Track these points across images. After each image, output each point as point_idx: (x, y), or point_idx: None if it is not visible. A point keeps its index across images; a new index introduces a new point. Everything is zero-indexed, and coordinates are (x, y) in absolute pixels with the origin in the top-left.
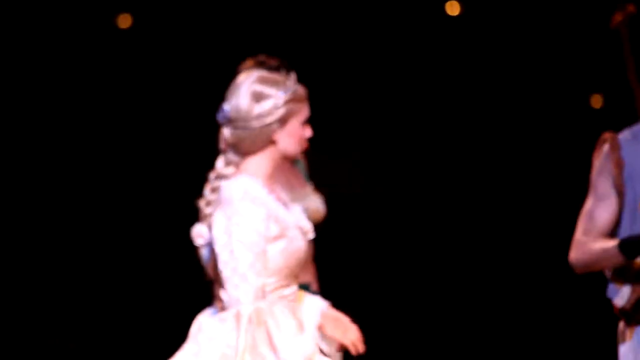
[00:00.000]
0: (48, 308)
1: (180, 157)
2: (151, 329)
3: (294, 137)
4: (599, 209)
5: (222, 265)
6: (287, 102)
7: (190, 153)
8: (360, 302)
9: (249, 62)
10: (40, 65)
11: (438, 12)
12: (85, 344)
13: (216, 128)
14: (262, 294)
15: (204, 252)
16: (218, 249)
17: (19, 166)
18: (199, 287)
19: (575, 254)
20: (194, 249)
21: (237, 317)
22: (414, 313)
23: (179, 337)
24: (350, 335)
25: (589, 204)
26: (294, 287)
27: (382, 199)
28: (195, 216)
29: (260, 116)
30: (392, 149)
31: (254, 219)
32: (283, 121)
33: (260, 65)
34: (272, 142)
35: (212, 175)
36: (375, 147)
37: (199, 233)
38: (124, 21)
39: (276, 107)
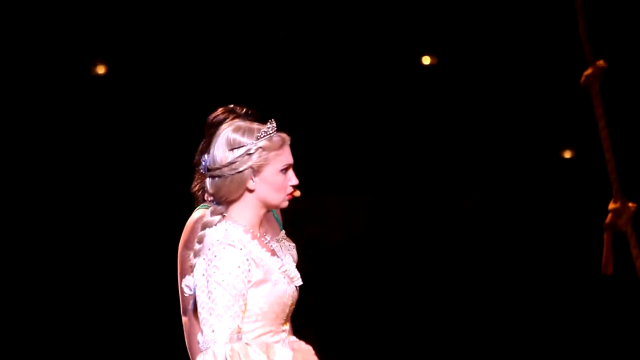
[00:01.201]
0: (48, 308)
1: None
2: (150, 331)
3: (271, 185)
4: None
5: (199, 308)
6: (259, 149)
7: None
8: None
9: (219, 111)
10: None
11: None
12: (84, 345)
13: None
14: (237, 336)
15: (191, 303)
16: (197, 291)
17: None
18: None
19: None
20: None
21: (214, 358)
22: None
23: (173, 342)
24: None
25: None
26: (281, 336)
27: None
28: None
29: (231, 164)
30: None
31: (233, 262)
32: (257, 169)
33: (233, 112)
34: (248, 190)
35: (199, 226)
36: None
37: (187, 284)
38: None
39: (248, 154)
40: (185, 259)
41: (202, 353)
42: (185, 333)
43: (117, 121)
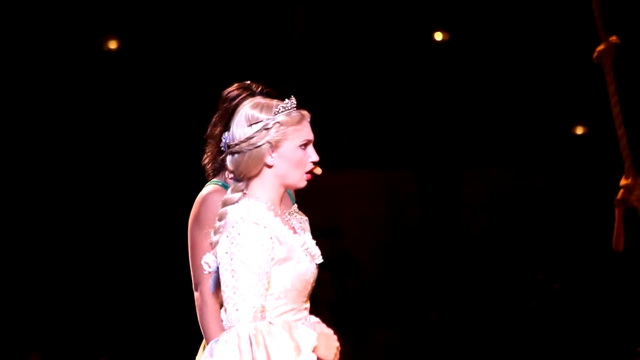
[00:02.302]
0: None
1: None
2: (151, 332)
3: (290, 160)
4: None
5: (223, 286)
6: (277, 124)
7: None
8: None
9: (234, 86)
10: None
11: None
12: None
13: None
14: (262, 314)
15: (211, 280)
16: (221, 270)
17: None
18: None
19: None
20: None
21: (238, 337)
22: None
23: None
24: (336, 353)
25: None
26: (303, 314)
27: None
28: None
29: (249, 139)
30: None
31: (257, 240)
32: (274, 144)
33: (249, 89)
34: (266, 165)
35: (220, 201)
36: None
37: (206, 262)
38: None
39: (266, 129)
40: (195, 232)
41: (225, 332)
42: (197, 308)
43: (129, 96)
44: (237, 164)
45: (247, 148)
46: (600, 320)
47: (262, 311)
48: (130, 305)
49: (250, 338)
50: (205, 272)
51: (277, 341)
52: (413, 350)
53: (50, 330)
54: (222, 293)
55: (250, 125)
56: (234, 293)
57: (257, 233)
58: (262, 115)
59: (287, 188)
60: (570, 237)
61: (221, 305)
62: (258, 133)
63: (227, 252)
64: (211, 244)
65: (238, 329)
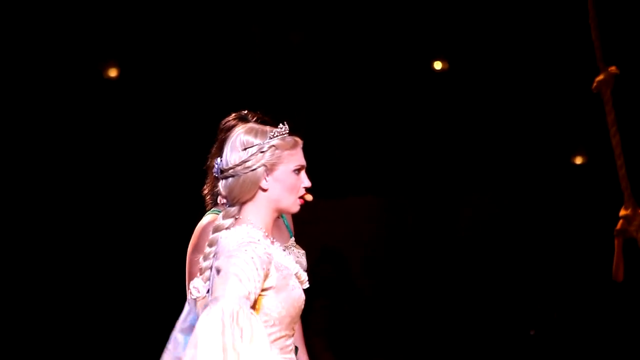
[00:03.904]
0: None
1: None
2: (156, 334)
3: (284, 184)
4: None
5: (211, 287)
6: (272, 147)
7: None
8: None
9: (232, 116)
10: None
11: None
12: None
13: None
14: (247, 305)
15: (199, 305)
16: (212, 284)
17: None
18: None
19: None
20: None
21: (222, 311)
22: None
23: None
24: None
25: None
26: (292, 340)
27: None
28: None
29: (244, 162)
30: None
31: (253, 263)
32: (270, 167)
33: (245, 118)
34: (261, 189)
35: (211, 229)
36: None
37: (195, 286)
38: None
39: (261, 152)
40: (193, 262)
41: (210, 305)
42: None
43: (128, 124)
44: (231, 188)
45: (242, 172)
46: (600, 350)
47: (248, 301)
48: (138, 310)
49: (232, 314)
50: (192, 297)
51: (253, 328)
52: None
53: (55, 333)
54: (211, 293)
55: (245, 149)
56: (224, 282)
57: (255, 250)
58: (257, 140)
59: (280, 213)
60: (570, 266)
61: None
62: (253, 156)
63: (221, 271)
64: (200, 269)
65: (222, 304)
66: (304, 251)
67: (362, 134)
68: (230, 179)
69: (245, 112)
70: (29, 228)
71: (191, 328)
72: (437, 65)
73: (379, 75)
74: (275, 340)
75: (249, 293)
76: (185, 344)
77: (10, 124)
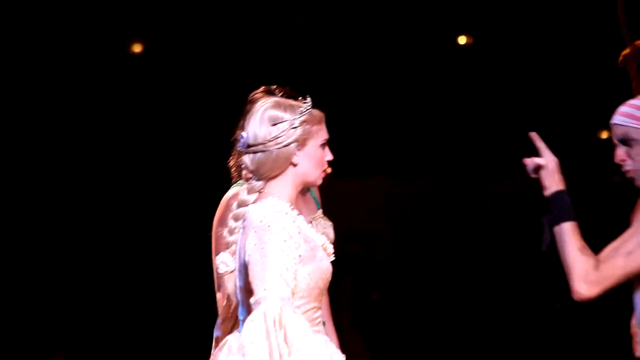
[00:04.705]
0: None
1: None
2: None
3: (313, 159)
4: None
5: (251, 277)
6: (303, 123)
7: (199, 171)
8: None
9: (260, 89)
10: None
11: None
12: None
13: (223, 150)
14: (290, 302)
15: (226, 279)
16: (250, 265)
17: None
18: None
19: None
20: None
21: (264, 315)
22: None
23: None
24: None
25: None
26: (319, 312)
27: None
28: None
29: (276, 138)
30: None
31: (286, 232)
32: (301, 142)
33: (273, 93)
34: (292, 164)
35: (234, 203)
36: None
37: (222, 261)
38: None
39: (292, 128)
40: (219, 235)
41: (253, 311)
42: (219, 309)
43: (153, 100)
44: (261, 163)
45: (273, 147)
46: (626, 324)
47: (290, 299)
48: (154, 306)
49: (274, 318)
50: (221, 272)
51: (298, 328)
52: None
53: (75, 330)
54: (251, 283)
55: (275, 124)
56: (263, 276)
57: (287, 225)
58: (287, 115)
59: (305, 186)
60: (597, 241)
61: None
62: (285, 132)
63: (256, 244)
64: (227, 244)
65: (265, 308)
66: (331, 223)
67: (388, 111)
68: (260, 154)
69: (274, 87)
70: (63, 196)
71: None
72: (462, 40)
73: (403, 51)
74: (304, 312)
75: (289, 288)
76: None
77: (38, 99)
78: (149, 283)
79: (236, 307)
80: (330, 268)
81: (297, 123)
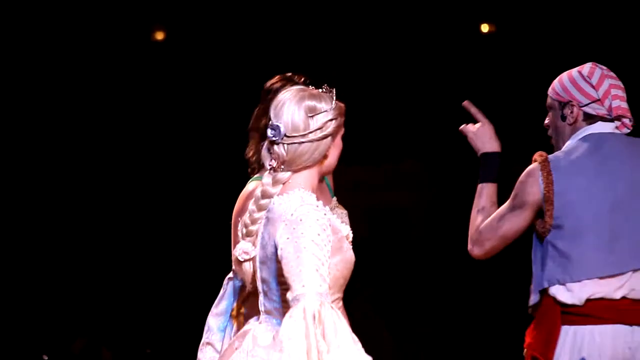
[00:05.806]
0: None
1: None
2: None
3: (338, 150)
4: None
5: (286, 272)
6: (337, 114)
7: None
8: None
9: (276, 78)
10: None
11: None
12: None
13: (236, 138)
14: (327, 297)
15: (246, 266)
16: (284, 260)
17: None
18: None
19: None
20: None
21: (303, 312)
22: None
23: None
24: None
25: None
26: (341, 303)
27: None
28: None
29: (318, 129)
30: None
31: (319, 225)
32: (334, 135)
33: (294, 81)
34: (325, 156)
35: (257, 193)
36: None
37: (244, 249)
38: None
39: (329, 120)
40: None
41: (292, 307)
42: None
43: (174, 87)
44: (299, 154)
45: (317, 138)
46: None
47: (327, 294)
48: (175, 296)
49: (314, 314)
50: (241, 260)
51: (336, 325)
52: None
53: (96, 316)
54: (286, 278)
55: (314, 115)
56: (300, 271)
57: (319, 218)
58: (323, 106)
59: (322, 176)
60: None
61: (262, 292)
62: (325, 123)
63: (289, 238)
64: (247, 233)
65: (305, 303)
66: (346, 211)
67: (409, 98)
68: (297, 145)
69: (290, 74)
70: (68, 194)
71: (223, 313)
72: (484, 28)
73: (427, 40)
74: (331, 302)
75: (327, 283)
76: (218, 329)
77: (61, 84)
78: (169, 272)
79: (249, 294)
80: (354, 258)
81: (334, 114)
